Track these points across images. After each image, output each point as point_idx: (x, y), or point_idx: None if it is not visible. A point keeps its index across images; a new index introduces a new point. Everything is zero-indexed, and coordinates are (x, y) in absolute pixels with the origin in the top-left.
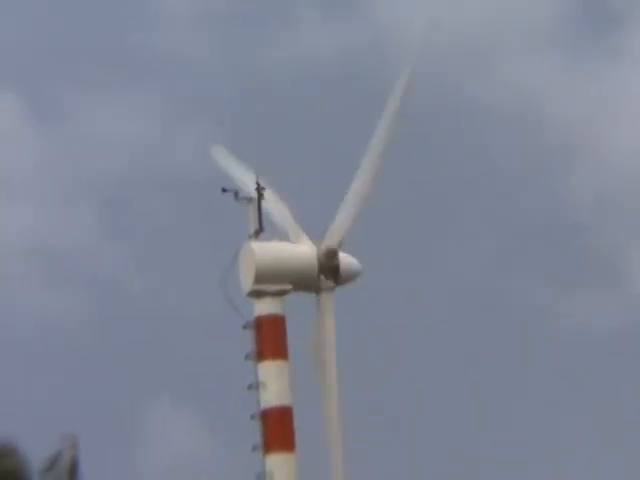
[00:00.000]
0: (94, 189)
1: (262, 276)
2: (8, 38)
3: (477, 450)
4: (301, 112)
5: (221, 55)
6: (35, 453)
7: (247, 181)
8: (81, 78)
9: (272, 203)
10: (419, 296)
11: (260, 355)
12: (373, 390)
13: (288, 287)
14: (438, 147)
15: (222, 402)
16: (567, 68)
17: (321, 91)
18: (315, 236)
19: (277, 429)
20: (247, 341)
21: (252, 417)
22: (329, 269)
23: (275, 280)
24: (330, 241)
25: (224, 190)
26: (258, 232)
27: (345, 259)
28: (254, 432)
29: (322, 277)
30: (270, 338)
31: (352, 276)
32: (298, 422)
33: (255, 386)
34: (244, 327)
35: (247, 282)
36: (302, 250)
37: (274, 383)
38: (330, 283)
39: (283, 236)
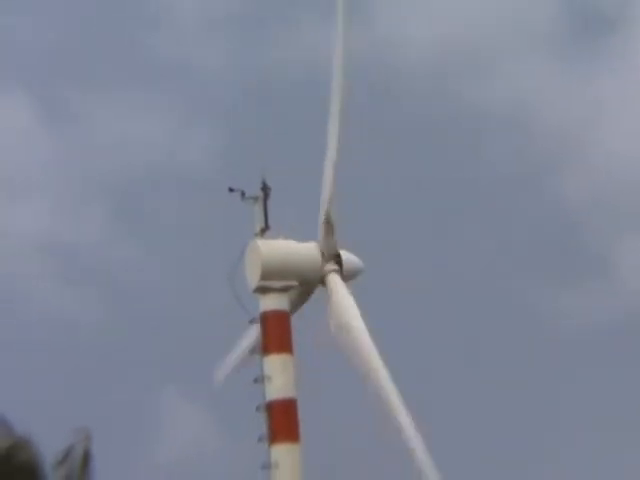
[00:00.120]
0: (105, 188)
1: (268, 273)
2: (21, 40)
3: (476, 449)
4: (301, 113)
5: (227, 58)
6: (49, 446)
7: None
8: (92, 80)
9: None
10: (419, 294)
11: (265, 349)
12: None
13: (293, 283)
14: (438, 149)
15: (229, 394)
16: (562, 72)
17: (321, 93)
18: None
19: (282, 420)
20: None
21: (258, 409)
22: (331, 254)
23: (280, 277)
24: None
25: (231, 190)
26: (264, 230)
27: (347, 257)
28: (260, 423)
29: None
30: (275, 333)
31: (355, 274)
32: (302, 414)
33: (261, 379)
34: (250, 322)
35: (253, 279)
36: (306, 248)
37: (279, 376)
38: (334, 266)
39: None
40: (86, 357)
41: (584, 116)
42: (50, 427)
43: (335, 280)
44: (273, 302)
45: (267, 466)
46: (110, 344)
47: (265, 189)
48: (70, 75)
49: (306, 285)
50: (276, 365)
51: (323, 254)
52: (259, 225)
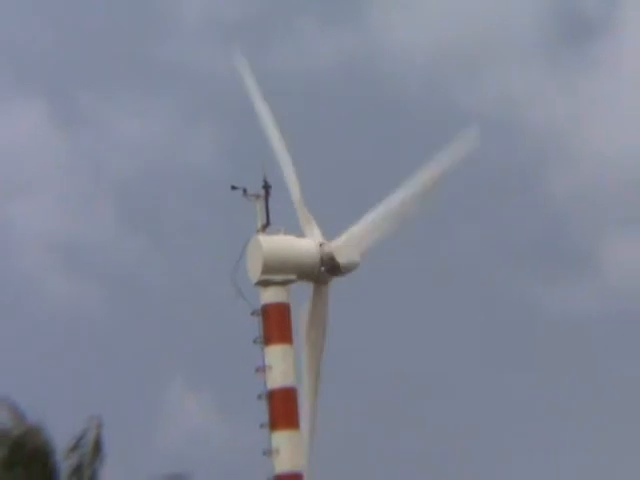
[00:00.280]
0: (113, 187)
1: (269, 267)
2: (36, 48)
3: (467, 435)
4: (302, 115)
5: (228, 63)
6: (61, 433)
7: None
8: (102, 83)
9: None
10: (411, 286)
11: (267, 340)
12: (364, 375)
13: (292, 277)
14: (429, 148)
15: (232, 383)
16: (549, 75)
17: (321, 97)
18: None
19: (282, 408)
20: (255, 327)
21: (259, 397)
22: (330, 265)
23: (280, 271)
24: (344, 249)
25: (233, 187)
26: (265, 226)
27: (345, 253)
28: (261, 411)
29: (322, 270)
30: (276, 324)
31: (351, 267)
32: (302, 401)
33: (262, 368)
34: (252, 314)
35: (255, 272)
36: (305, 243)
37: (280, 365)
38: (328, 277)
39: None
40: (95, 349)
41: (570, 117)
42: (62, 415)
43: (319, 292)
44: (274, 295)
45: (268, 452)
46: (118, 336)
47: (266, 187)
48: (81, 79)
49: (306, 278)
50: (277, 355)
51: (322, 259)
52: (260, 221)
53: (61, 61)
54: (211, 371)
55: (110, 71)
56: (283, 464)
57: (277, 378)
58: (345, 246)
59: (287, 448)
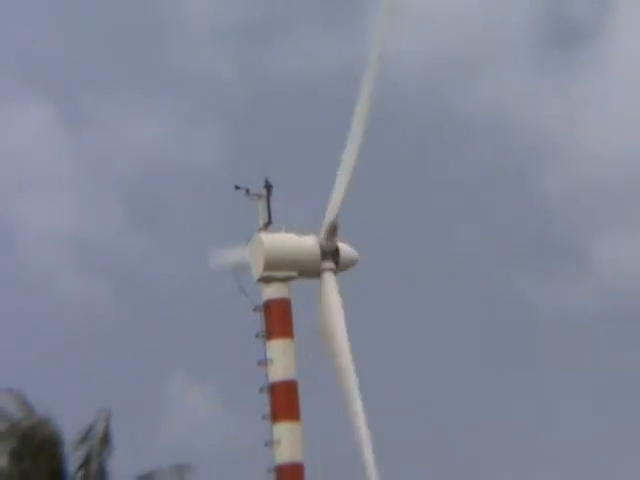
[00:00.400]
0: (121, 185)
1: (270, 264)
2: (44, 51)
3: (460, 424)
4: (301, 119)
5: (233, 68)
6: (69, 425)
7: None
8: (109, 86)
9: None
10: (409, 280)
11: (268, 334)
12: (370, 368)
13: (293, 274)
14: (428, 148)
15: (235, 376)
16: (537, 80)
17: (321, 101)
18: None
19: (284, 400)
20: (257, 322)
21: (261, 390)
22: (330, 252)
23: (282, 268)
24: (328, 218)
25: (237, 187)
26: (267, 225)
27: (343, 248)
28: (263, 403)
29: (324, 260)
30: (277, 319)
31: (350, 263)
32: (302, 394)
33: (264, 362)
34: (254, 309)
35: (257, 269)
36: (306, 241)
37: (281, 359)
38: (331, 264)
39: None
40: (102, 343)
41: (561, 118)
42: (69, 408)
43: (329, 280)
44: (275, 291)
45: (270, 443)
46: (124, 331)
47: (268, 187)
48: (88, 81)
49: (306, 275)
50: (278, 349)
51: (323, 251)
52: (262, 220)
53: (68, 64)
54: (215, 365)
55: (115, 73)
56: (284, 455)
57: (278, 371)
58: (342, 245)
59: (288, 439)
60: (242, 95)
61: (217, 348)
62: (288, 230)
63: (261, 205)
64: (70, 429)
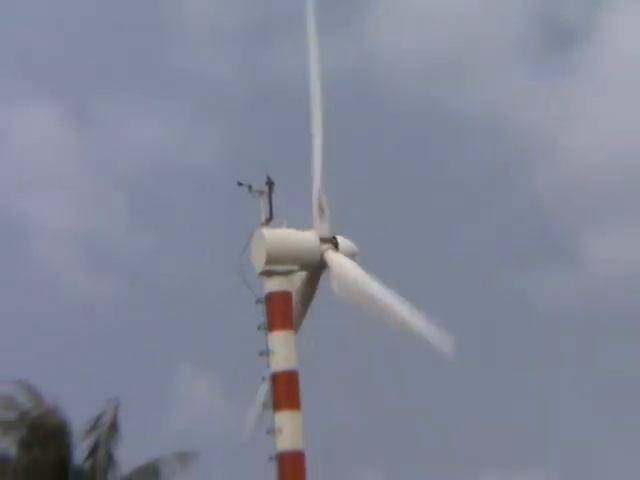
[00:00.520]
0: (125, 184)
1: (272, 258)
2: (49, 53)
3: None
4: (300, 118)
5: (234, 69)
6: (78, 414)
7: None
8: (113, 87)
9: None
10: (403, 274)
11: (270, 326)
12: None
13: (295, 267)
14: (423, 148)
15: (238, 367)
16: (530, 82)
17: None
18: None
19: (285, 390)
20: (259, 314)
21: (263, 379)
22: (328, 238)
23: (283, 262)
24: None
25: (239, 184)
26: (268, 220)
27: (342, 241)
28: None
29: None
30: (279, 311)
31: (349, 256)
32: (303, 383)
33: (266, 353)
34: (256, 302)
35: (259, 263)
36: (306, 235)
37: (282, 350)
38: (331, 246)
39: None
40: (109, 336)
41: (553, 119)
42: (77, 398)
43: (332, 254)
44: (277, 284)
45: (271, 431)
46: (131, 324)
47: (269, 183)
48: (93, 83)
49: (307, 269)
50: (280, 340)
51: (321, 239)
52: (264, 215)
53: (74, 65)
54: (218, 355)
55: (120, 75)
56: (285, 442)
57: (280, 362)
58: (341, 239)
59: (289, 427)
60: (242, 94)
61: (221, 340)
62: (289, 225)
63: (263, 201)
64: (79, 419)
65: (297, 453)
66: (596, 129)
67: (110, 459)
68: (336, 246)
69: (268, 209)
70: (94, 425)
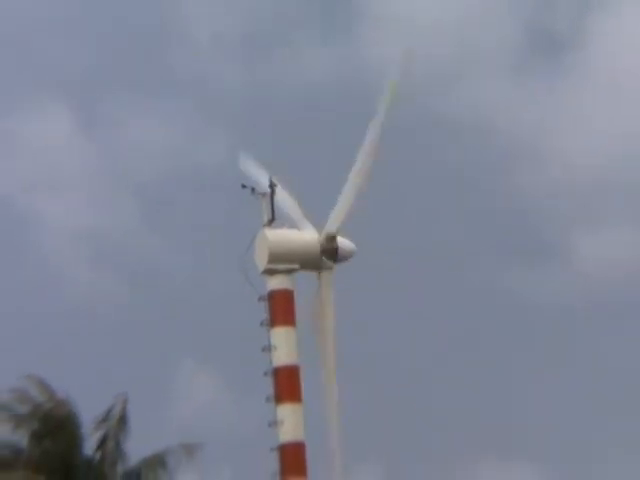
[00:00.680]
0: (133, 185)
1: (274, 257)
2: (61, 58)
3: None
4: (304, 120)
5: (238, 72)
6: (90, 407)
7: (261, 179)
8: (123, 91)
9: (283, 198)
10: (396, 275)
11: (272, 322)
12: (368, 358)
13: (296, 266)
14: (415, 153)
15: (241, 361)
16: (519, 86)
17: (321, 104)
18: (318, 224)
19: (286, 384)
20: (261, 311)
21: (265, 374)
22: (329, 251)
23: (285, 260)
24: (329, 227)
25: (243, 186)
26: (270, 221)
27: (342, 241)
28: (267, 386)
29: (323, 258)
30: (281, 308)
31: (348, 256)
32: (304, 377)
33: (268, 348)
34: (259, 299)
35: (261, 262)
36: (307, 236)
37: (284, 346)
38: (330, 263)
39: (291, 224)
40: (116, 332)
41: (538, 122)
42: (88, 392)
43: (326, 279)
44: (279, 282)
45: (273, 423)
46: (137, 320)
47: (272, 186)
48: (106, 87)
49: (306, 268)
50: (281, 336)
51: (322, 247)
52: (266, 216)
53: (88, 70)
54: (222, 351)
55: (131, 79)
56: (287, 434)
57: (281, 357)
58: (341, 238)
59: (290, 420)
60: (248, 101)
61: (224, 336)
62: (290, 226)
63: (265, 203)
64: (89, 412)
65: (298, 444)
66: (587, 131)
67: (119, 450)
68: (336, 254)
69: (270, 210)
70: (104, 418)
